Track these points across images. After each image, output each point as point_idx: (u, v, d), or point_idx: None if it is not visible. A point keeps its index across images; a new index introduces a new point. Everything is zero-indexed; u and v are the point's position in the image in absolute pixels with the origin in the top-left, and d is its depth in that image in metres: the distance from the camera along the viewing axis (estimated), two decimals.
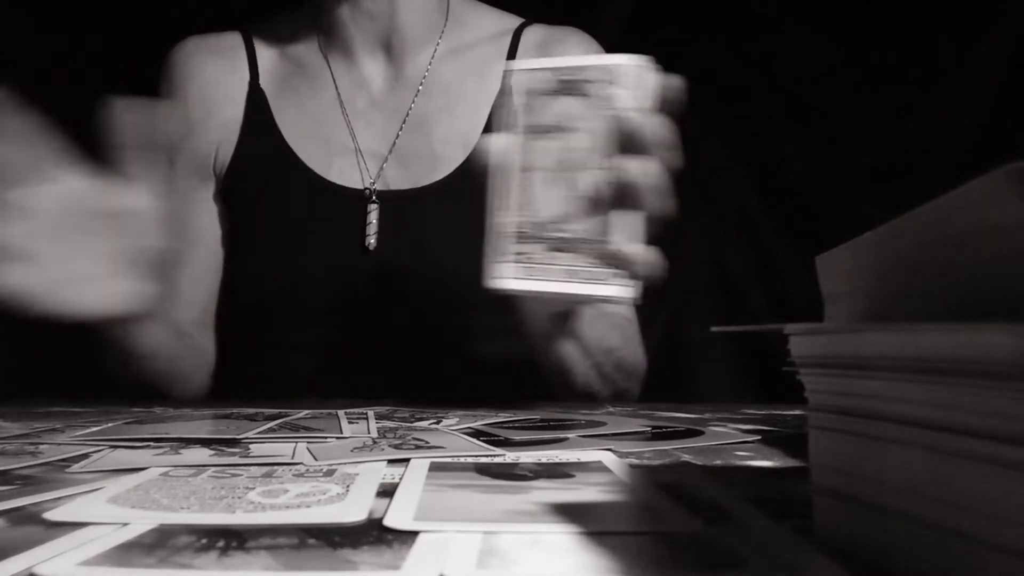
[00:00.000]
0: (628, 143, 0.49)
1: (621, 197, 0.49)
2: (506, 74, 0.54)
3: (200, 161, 0.83)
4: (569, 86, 0.51)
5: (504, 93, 0.54)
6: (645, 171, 0.49)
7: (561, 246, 0.50)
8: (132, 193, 0.59)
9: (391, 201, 0.79)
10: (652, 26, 1.18)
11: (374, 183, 0.80)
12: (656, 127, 0.49)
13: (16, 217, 0.55)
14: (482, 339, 0.78)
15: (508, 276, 0.52)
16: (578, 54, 0.85)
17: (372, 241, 0.78)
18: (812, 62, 1.17)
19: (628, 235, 0.49)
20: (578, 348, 0.69)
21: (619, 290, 0.49)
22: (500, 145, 0.54)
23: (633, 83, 0.49)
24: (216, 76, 0.84)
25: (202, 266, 0.83)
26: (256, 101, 0.83)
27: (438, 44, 0.84)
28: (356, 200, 0.79)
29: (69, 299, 0.58)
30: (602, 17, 1.15)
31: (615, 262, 0.49)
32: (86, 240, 0.58)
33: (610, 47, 0.96)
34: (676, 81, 0.50)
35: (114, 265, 0.60)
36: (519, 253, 0.52)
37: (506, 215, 0.53)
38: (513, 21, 0.88)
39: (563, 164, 0.51)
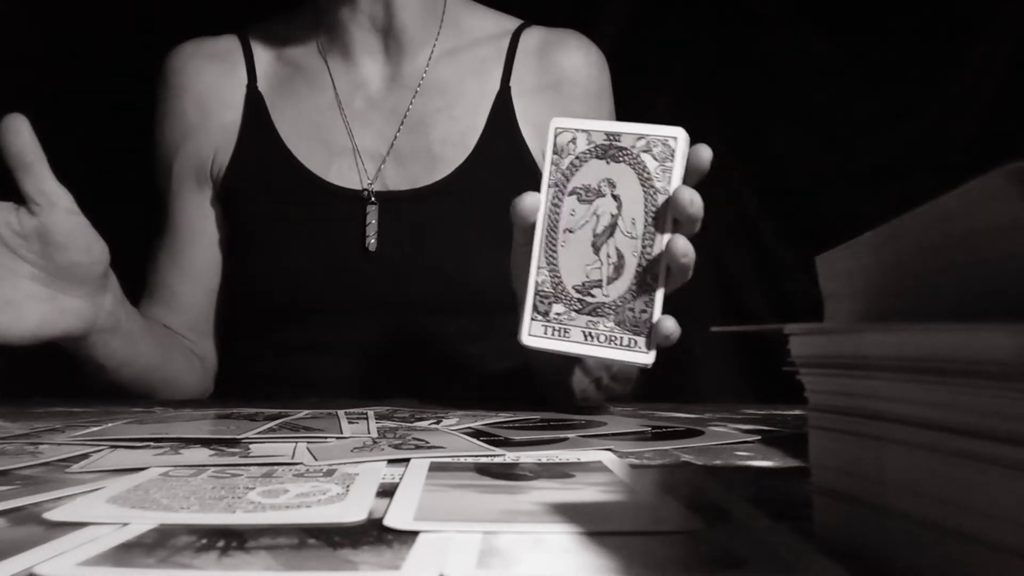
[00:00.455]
0: (667, 218, 0.51)
1: (656, 271, 0.52)
2: (552, 130, 0.55)
3: (197, 165, 0.83)
4: (607, 150, 0.53)
5: (550, 149, 0.55)
6: (689, 253, 0.51)
7: (591, 311, 0.53)
8: (43, 212, 0.59)
9: (390, 202, 0.79)
10: (652, 26, 1.18)
11: (372, 184, 0.80)
12: (693, 201, 0.51)
13: None
14: (481, 339, 0.78)
15: (536, 334, 0.55)
16: (578, 57, 0.85)
17: (372, 242, 0.78)
18: (812, 62, 1.17)
19: (657, 302, 0.52)
20: (581, 369, 0.69)
21: (642, 357, 0.52)
22: (533, 203, 0.55)
23: (676, 154, 0.52)
24: (213, 80, 0.84)
25: (196, 270, 0.83)
26: (254, 104, 0.83)
27: (435, 44, 0.84)
28: (355, 201, 0.79)
29: (3, 324, 0.58)
30: (602, 17, 1.15)
31: (644, 332, 0.52)
32: (4, 264, 0.58)
33: (610, 47, 0.96)
34: (707, 152, 0.52)
35: (46, 286, 0.60)
36: (546, 313, 0.54)
37: (535, 274, 0.55)
38: (512, 22, 0.88)
39: (597, 229, 0.53)
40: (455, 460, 0.36)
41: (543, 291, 0.54)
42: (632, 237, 0.52)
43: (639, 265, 0.52)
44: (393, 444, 0.41)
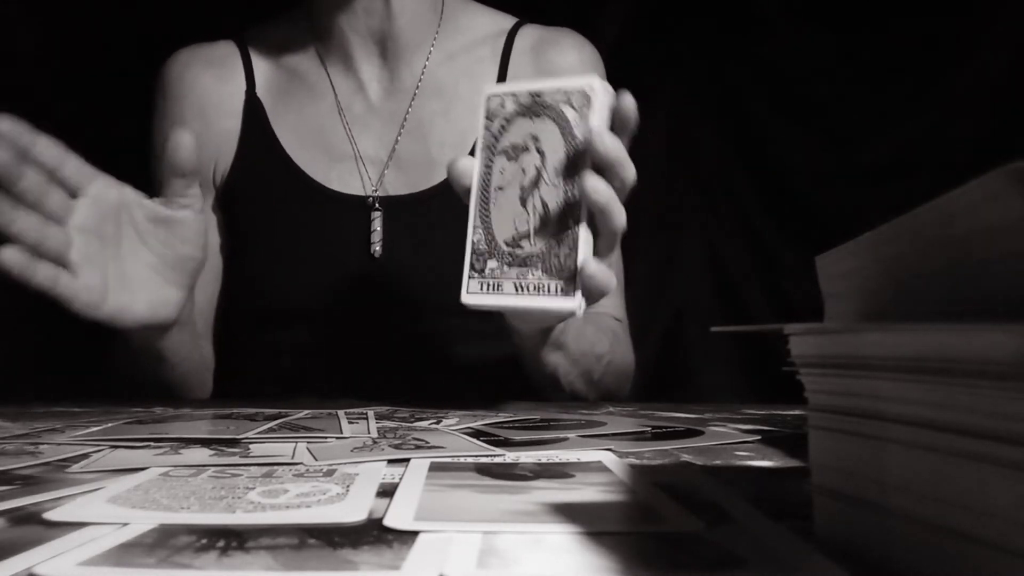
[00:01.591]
0: (588, 162, 0.51)
1: (578, 215, 0.51)
2: (484, 97, 0.56)
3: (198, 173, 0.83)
4: (531, 107, 0.54)
5: (482, 114, 0.56)
6: (600, 189, 0.50)
7: (520, 262, 0.53)
8: (175, 205, 0.63)
9: (393, 207, 0.79)
10: (652, 26, 1.18)
11: (376, 190, 0.80)
12: (613, 146, 0.51)
13: (61, 224, 0.57)
14: (486, 342, 0.78)
15: (473, 291, 0.55)
16: (572, 55, 0.85)
17: (377, 248, 0.78)
18: (812, 62, 1.17)
19: (583, 251, 0.51)
20: (565, 357, 0.70)
21: (570, 304, 0.51)
22: (467, 166, 0.56)
23: (592, 103, 0.52)
24: (212, 87, 0.84)
25: (203, 276, 0.83)
26: (253, 111, 0.83)
27: (432, 47, 0.84)
28: (358, 207, 0.79)
29: (119, 305, 0.60)
30: (602, 17, 1.15)
31: (569, 277, 0.51)
32: (131, 247, 0.61)
33: (610, 48, 0.96)
34: (630, 99, 0.52)
35: (158, 273, 0.63)
36: (482, 270, 0.55)
37: (472, 233, 0.55)
38: (508, 21, 0.87)
39: (524, 183, 0.54)
40: (455, 460, 0.36)
41: (478, 249, 0.55)
42: (555, 186, 0.52)
43: (561, 212, 0.52)
44: (393, 444, 0.41)
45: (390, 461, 0.36)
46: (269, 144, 0.82)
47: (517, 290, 0.53)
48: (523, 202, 0.53)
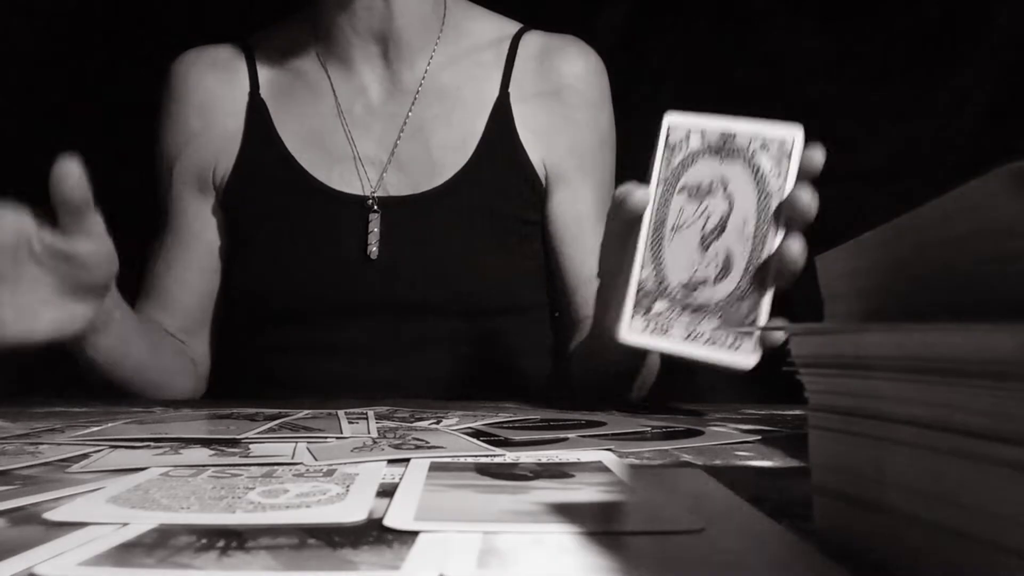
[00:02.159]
0: (779, 217, 0.50)
1: (766, 270, 0.51)
2: (665, 126, 0.55)
3: (199, 173, 0.84)
4: (721, 148, 0.52)
5: (662, 145, 0.54)
6: (800, 254, 0.50)
7: (695, 309, 0.52)
8: (76, 241, 0.59)
9: (392, 208, 0.80)
10: (651, 25, 1.18)
11: (375, 191, 0.80)
12: (813, 205, 0.50)
13: None
14: (482, 343, 0.79)
15: (636, 330, 0.54)
16: (579, 64, 0.85)
17: (374, 249, 0.78)
18: (812, 62, 1.17)
19: (764, 305, 0.51)
20: (648, 367, 0.72)
21: (747, 360, 0.50)
22: (643, 198, 0.54)
23: (793, 155, 0.51)
24: (216, 88, 0.84)
25: (194, 275, 0.83)
26: (256, 112, 0.84)
27: (435, 50, 0.84)
28: (357, 208, 0.80)
29: (19, 333, 0.59)
30: (601, 17, 1.15)
31: (747, 333, 0.51)
32: (31, 277, 0.59)
33: (609, 46, 0.96)
34: (821, 154, 0.51)
35: (61, 295, 0.61)
36: (648, 309, 0.53)
37: (639, 270, 0.54)
38: (511, 26, 0.87)
39: (706, 228, 0.52)
40: (455, 460, 0.36)
41: (646, 288, 0.53)
42: (742, 237, 0.51)
43: (748, 265, 0.51)
44: (393, 444, 0.41)
45: (390, 461, 0.36)
46: (271, 144, 0.82)
47: (688, 337, 0.52)
48: (703, 247, 0.52)
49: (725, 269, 0.51)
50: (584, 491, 0.30)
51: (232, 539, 0.24)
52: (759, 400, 0.70)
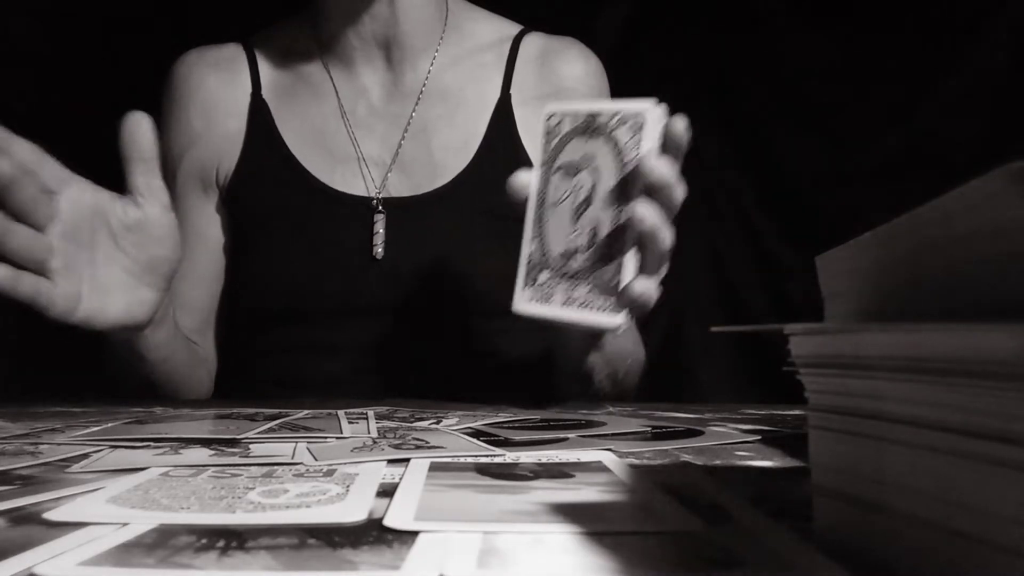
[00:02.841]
0: (639, 184, 0.53)
1: (626, 236, 0.53)
2: (544, 115, 0.59)
3: (202, 173, 0.84)
4: (587, 128, 0.56)
5: (542, 132, 0.59)
6: (648, 216, 0.52)
7: (571, 276, 0.56)
8: (147, 205, 0.63)
9: (395, 209, 0.80)
10: (651, 26, 1.18)
11: (379, 192, 0.81)
12: (663, 169, 0.53)
13: (38, 229, 0.57)
14: (488, 342, 0.79)
15: (524, 300, 0.58)
16: (579, 66, 0.86)
17: (380, 250, 0.79)
18: (812, 62, 1.17)
19: (631, 270, 0.53)
20: (602, 357, 0.71)
21: (612, 319, 0.54)
22: (524, 179, 0.59)
23: (645, 127, 0.54)
24: (218, 88, 0.84)
25: (202, 273, 0.83)
26: (259, 112, 0.84)
27: (437, 51, 0.84)
28: (362, 208, 0.80)
29: (92, 310, 0.60)
30: (600, 18, 1.15)
31: (612, 294, 0.54)
32: (106, 251, 0.62)
33: (609, 50, 0.96)
34: (681, 123, 0.54)
35: (132, 275, 0.63)
36: (535, 280, 0.58)
37: (527, 244, 0.58)
38: (512, 28, 0.88)
39: (577, 201, 0.56)
40: (455, 460, 0.36)
41: (532, 260, 0.58)
42: (606, 207, 0.55)
43: (611, 232, 0.54)
44: (393, 444, 0.41)
45: (390, 461, 0.36)
46: (274, 145, 0.82)
47: (566, 303, 0.56)
48: (576, 219, 0.56)
49: (593, 238, 0.55)
50: (584, 491, 0.30)
51: (232, 539, 0.24)
52: (759, 400, 0.70)
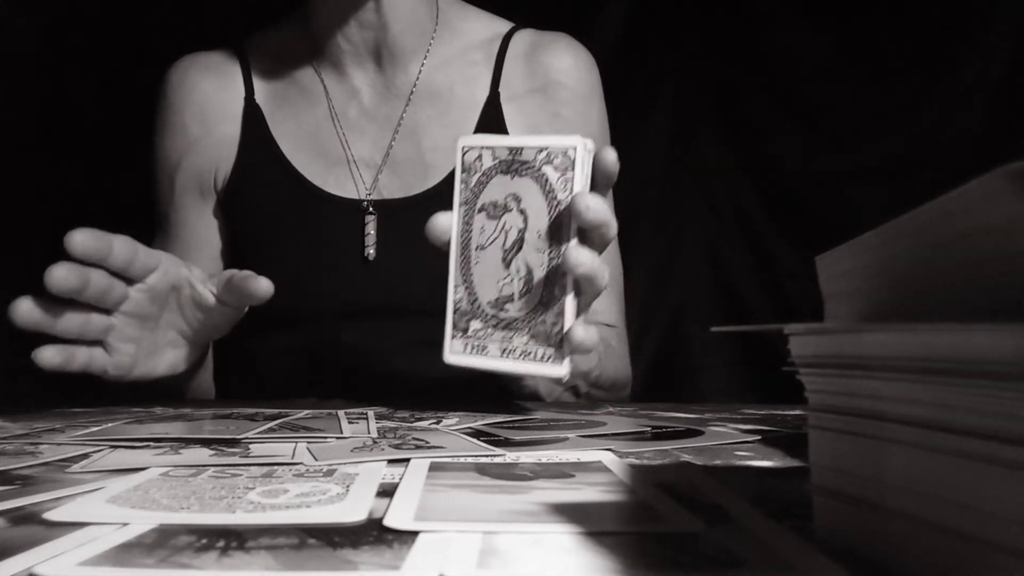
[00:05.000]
0: (572, 224, 0.50)
1: (563, 281, 0.51)
2: (459, 149, 0.56)
3: (200, 178, 0.84)
4: (510, 164, 0.53)
5: (459, 167, 0.55)
6: (584, 262, 0.49)
7: (505, 326, 0.53)
8: (223, 301, 0.65)
9: (386, 210, 0.80)
10: (651, 27, 1.18)
11: (370, 194, 0.81)
12: (598, 209, 0.50)
13: (111, 312, 0.60)
14: None
15: (456, 351, 0.55)
16: (567, 58, 0.85)
17: (371, 252, 0.79)
18: (812, 61, 1.17)
19: (570, 318, 0.51)
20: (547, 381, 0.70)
21: (556, 369, 0.51)
22: (444, 223, 0.55)
23: (576, 164, 0.51)
24: (212, 93, 0.84)
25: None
26: (253, 116, 0.84)
27: (428, 52, 0.84)
28: (353, 211, 0.80)
29: (144, 371, 0.64)
30: (600, 19, 1.15)
31: (556, 344, 0.51)
32: (168, 320, 0.65)
33: (608, 49, 0.96)
34: (612, 155, 0.51)
35: (185, 338, 0.67)
36: (465, 330, 0.54)
37: (452, 292, 0.55)
38: (503, 26, 0.87)
39: (506, 244, 0.53)
40: (455, 460, 0.36)
41: (460, 308, 0.54)
42: (539, 250, 0.52)
43: (547, 277, 0.51)
44: (393, 444, 0.41)
45: (390, 461, 0.36)
46: (268, 149, 0.83)
47: (503, 354, 0.53)
48: (506, 264, 0.53)
49: (527, 283, 0.52)
50: (584, 491, 0.30)
51: (232, 539, 0.24)
52: (759, 400, 0.70)
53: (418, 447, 0.40)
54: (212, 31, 0.91)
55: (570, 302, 0.50)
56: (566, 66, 0.85)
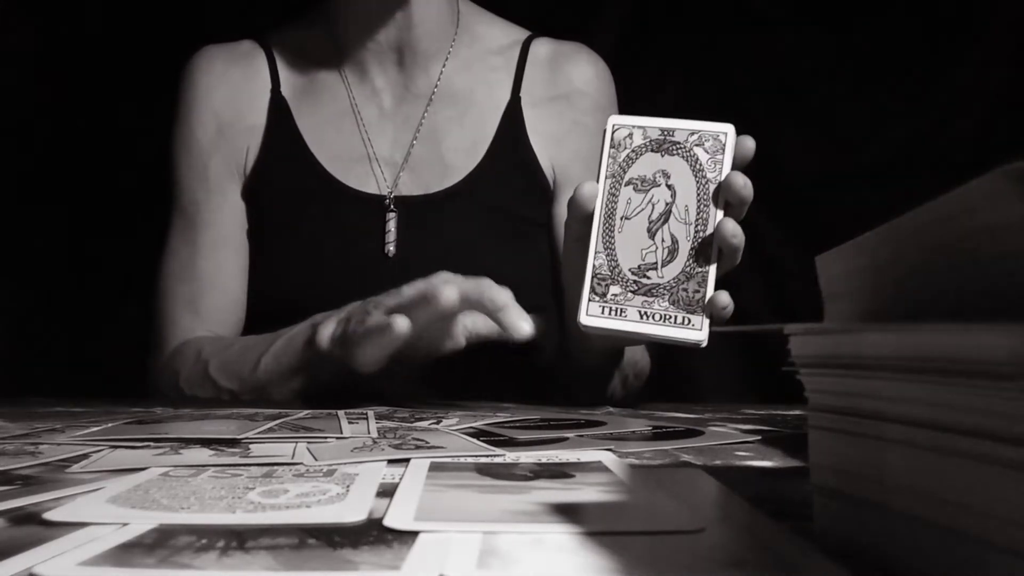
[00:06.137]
0: (720, 202, 0.56)
1: (708, 252, 0.55)
2: (610, 126, 0.59)
3: (234, 161, 0.84)
4: (661, 144, 0.58)
5: (607, 143, 0.59)
6: (737, 234, 0.55)
7: (647, 291, 0.56)
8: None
9: (407, 208, 0.81)
10: (651, 26, 1.18)
11: (391, 191, 0.81)
12: (748, 189, 0.55)
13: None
14: (492, 342, 0.79)
15: (593, 314, 0.57)
16: (589, 70, 0.87)
17: (391, 248, 0.79)
18: (812, 61, 1.17)
19: (709, 282, 0.55)
20: (617, 366, 0.73)
21: (697, 335, 0.55)
22: (592, 191, 0.58)
23: (725, 148, 0.56)
24: (241, 81, 0.85)
25: (243, 264, 0.84)
26: (279, 108, 0.85)
27: (449, 54, 0.85)
28: (375, 207, 0.81)
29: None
30: (600, 18, 1.15)
31: (696, 310, 0.55)
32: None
33: (609, 49, 0.96)
34: (751, 143, 0.57)
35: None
36: (604, 294, 0.57)
37: (593, 257, 0.58)
38: (521, 33, 0.89)
39: (652, 216, 0.57)
40: (455, 460, 0.36)
41: (600, 274, 0.57)
42: (685, 223, 0.56)
43: (692, 248, 0.56)
44: (393, 444, 0.41)
45: (390, 461, 0.36)
46: (293, 141, 0.83)
47: (642, 317, 0.56)
48: (651, 234, 0.57)
49: (672, 252, 0.56)
50: (584, 491, 0.30)
51: (232, 539, 0.24)
52: (759, 400, 0.70)
53: (418, 447, 0.40)
54: (212, 31, 0.91)
55: (713, 271, 0.55)
56: (588, 77, 0.87)
